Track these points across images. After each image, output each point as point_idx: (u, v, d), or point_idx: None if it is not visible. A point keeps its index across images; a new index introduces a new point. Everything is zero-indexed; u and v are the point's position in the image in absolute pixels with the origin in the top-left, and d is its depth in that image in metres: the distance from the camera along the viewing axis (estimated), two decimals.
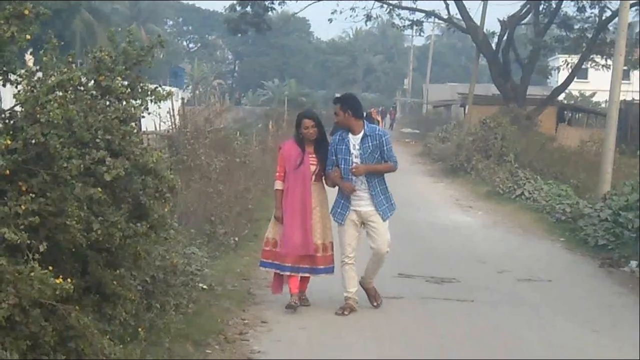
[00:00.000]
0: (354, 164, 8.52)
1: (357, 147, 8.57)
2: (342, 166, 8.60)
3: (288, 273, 8.62)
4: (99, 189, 5.52)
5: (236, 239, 11.74)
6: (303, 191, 8.62)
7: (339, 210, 8.73)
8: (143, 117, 6.44)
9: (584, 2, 30.18)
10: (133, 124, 6.17)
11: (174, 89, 17.97)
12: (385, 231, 8.64)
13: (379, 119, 32.44)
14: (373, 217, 8.59)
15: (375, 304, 8.84)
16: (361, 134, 8.60)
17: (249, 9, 31.88)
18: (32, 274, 4.93)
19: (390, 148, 8.73)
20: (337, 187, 8.79)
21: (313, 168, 8.67)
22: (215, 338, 7.44)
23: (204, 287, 8.78)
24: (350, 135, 8.62)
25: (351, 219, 8.65)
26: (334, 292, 8.91)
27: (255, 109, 52.36)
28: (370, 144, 8.57)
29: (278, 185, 8.79)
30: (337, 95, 9.39)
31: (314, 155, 8.70)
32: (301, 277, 8.75)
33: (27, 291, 4.92)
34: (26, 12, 5.59)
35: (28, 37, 5.61)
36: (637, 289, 10.43)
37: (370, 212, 8.59)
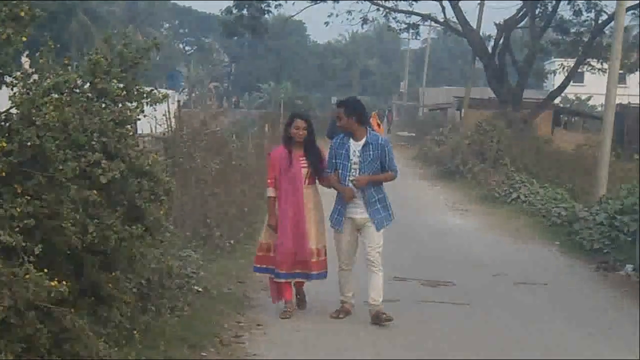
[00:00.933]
0: (353, 171, 8.36)
1: (358, 154, 8.39)
2: (340, 171, 8.46)
3: (283, 280, 8.55)
4: (95, 191, 5.52)
5: (232, 241, 11.74)
6: (296, 195, 8.50)
7: (336, 216, 8.60)
8: (139, 119, 6.43)
9: (579, 2, 30.14)
10: (129, 126, 6.17)
11: (170, 92, 17.96)
12: (376, 239, 8.45)
13: (379, 123, 32.22)
14: (367, 225, 8.45)
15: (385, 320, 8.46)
16: (363, 141, 8.42)
17: (245, 11, 31.86)
18: (27, 276, 4.93)
19: (392, 158, 8.55)
20: (334, 192, 8.70)
21: (304, 171, 8.53)
22: (211, 341, 7.42)
23: (200, 289, 8.77)
24: (351, 141, 8.45)
25: (348, 226, 8.54)
26: (330, 295, 8.89)
27: (251, 111, 52.36)
28: (371, 152, 8.39)
29: (270, 192, 8.63)
30: (341, 98, 9.19)
31: (304, 158, 8.55)
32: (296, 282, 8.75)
33: (22, 293, 4.91)
34: (22, 14, 5.59)
35: (24, 38, 5.61)
36: (632, 292, 10.44)
37: (364, 219, 8.45)
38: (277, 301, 8.70)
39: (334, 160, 8.54)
